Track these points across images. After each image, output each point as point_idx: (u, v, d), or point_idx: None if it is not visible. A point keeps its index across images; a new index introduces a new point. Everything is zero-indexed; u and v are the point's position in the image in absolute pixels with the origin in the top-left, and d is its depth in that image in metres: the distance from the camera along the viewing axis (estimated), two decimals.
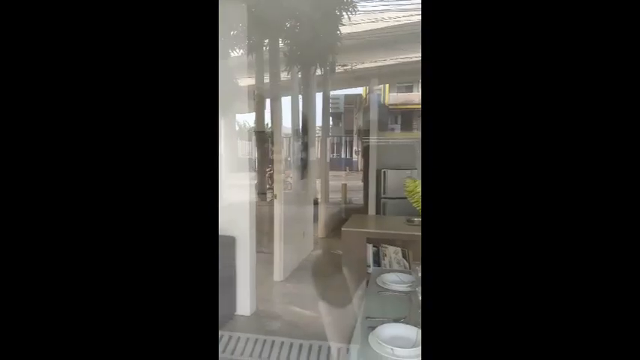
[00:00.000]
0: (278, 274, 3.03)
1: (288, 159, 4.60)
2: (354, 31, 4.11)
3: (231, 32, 2.88)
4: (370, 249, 2.32)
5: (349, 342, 1.98)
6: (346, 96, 11.68)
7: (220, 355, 2.00)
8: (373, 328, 1.06)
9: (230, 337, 2.15)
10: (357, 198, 6.34)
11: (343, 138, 13.12)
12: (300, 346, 2.05)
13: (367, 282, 1.60)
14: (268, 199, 4.63)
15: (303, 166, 3.82)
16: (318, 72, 4.05)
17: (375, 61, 5.31)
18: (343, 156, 12.98)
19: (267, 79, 3.79)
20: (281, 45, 3.70)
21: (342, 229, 2.31)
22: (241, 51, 3.14)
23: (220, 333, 2.18)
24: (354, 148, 12.25)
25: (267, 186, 4.86)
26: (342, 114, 12.53)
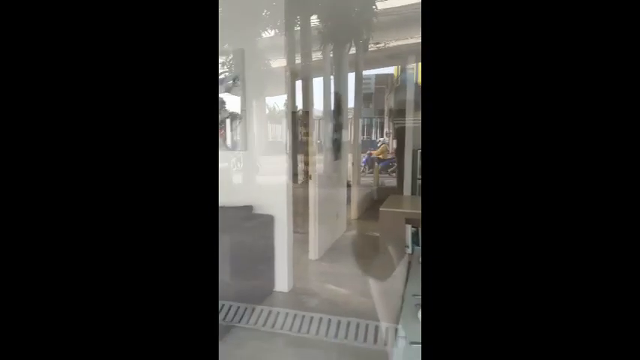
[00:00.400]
0: (313, 253, 3.08)
1: (318, 141, 4.57)
2: (389, 6, 3.96)
3: (263, 12, 2.85)
4: (409, 229, 2.28)
5: (392, 319, 2.00)
6: (377, 76, 11.39)
7: (261, 328, 2.08)
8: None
9: (270, 312, 2.22)
10: (389, 180, 6.26)
11: (373, 119, 12.86)
12: (339, 322, 2.08)
13: (409, 262, 1.59)
14: (299, 182, 4.67)
15: (336, 148, 3.80)
16: (352, 50, 3.96)
17: (410, 38, 5.12)
18: (374, 138, 12.76)
19: (297, 60, 3.75)
20: (314, 23, 3.62)
21: (381, 209, 2.30)
22: (273, 31, 3.12)
23: (260, 307, 2.25)
24: (385, 129, 12.01)
25: (301, 168, 4.88)
26: (372, 95, 12.24)
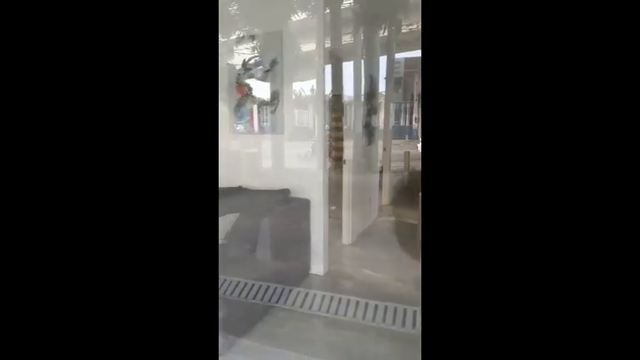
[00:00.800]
0: (346, 238, 3.09)
1: (345, 126, 4.51)
2: None
3: None
4: None
5: None
6: (406, 59, 11.04)
7: (298, 309, 2.12)
8: None
9: (307, 294, 2.26)
10: (419, 166, 6.14)
11: (402, 105, 12.54)
12: (376, 306, 2.09)
13: None
14: (328, 166, 4.64)
15: (368, 133, 3.74)
16: (385, 33, 3.85)
17: None
18: (402, 124, 12.47)
19: (327, 44, 3.68)
20: (345, 5, 3.54)
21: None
22: (304, 14, 3.07)
23: (297, 289, 2.29)
24: (414, 115, 11.72)
25: (331, 153, 4.86)
26: (401, 79, 11.88)
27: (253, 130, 2.55)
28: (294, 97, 2.51)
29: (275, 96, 2.44)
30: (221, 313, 1.73)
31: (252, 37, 2.45)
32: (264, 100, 2.47)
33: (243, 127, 2.56)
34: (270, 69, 2.41)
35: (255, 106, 2.50)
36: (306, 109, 2.74)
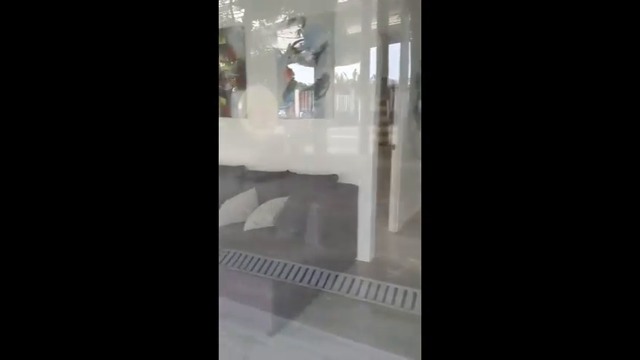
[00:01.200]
0: (393, 226, 3.03)
1: (389, 110, 4.37)
2: None
3: None
4: None
5: None
6: None
7: (345, 295, 2.12)
8: None
9: (353, 280, 2.25)
10: None
11: None
12: None
13: None
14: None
15: (416, 117, 3.60)
16: None
17: None
18: None
19: (373, 26, 3.55)
20: None
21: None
22: None
23: (343, 275, 2.29)
24: None
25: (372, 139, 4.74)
26: None
27: (294, 115, 2.54)
28: (335, 81, 2.46)
29: (325, 79, 2.40)
30: (271, 294, 1.77)
31: (303, 19, 2.41)
32: (310, 85, 2.44)
33: (284, 113, 2.56)
34: (322, 51, 2.37)
35: (297, 91, 2.48)
36: (349, 94, 2.68)
